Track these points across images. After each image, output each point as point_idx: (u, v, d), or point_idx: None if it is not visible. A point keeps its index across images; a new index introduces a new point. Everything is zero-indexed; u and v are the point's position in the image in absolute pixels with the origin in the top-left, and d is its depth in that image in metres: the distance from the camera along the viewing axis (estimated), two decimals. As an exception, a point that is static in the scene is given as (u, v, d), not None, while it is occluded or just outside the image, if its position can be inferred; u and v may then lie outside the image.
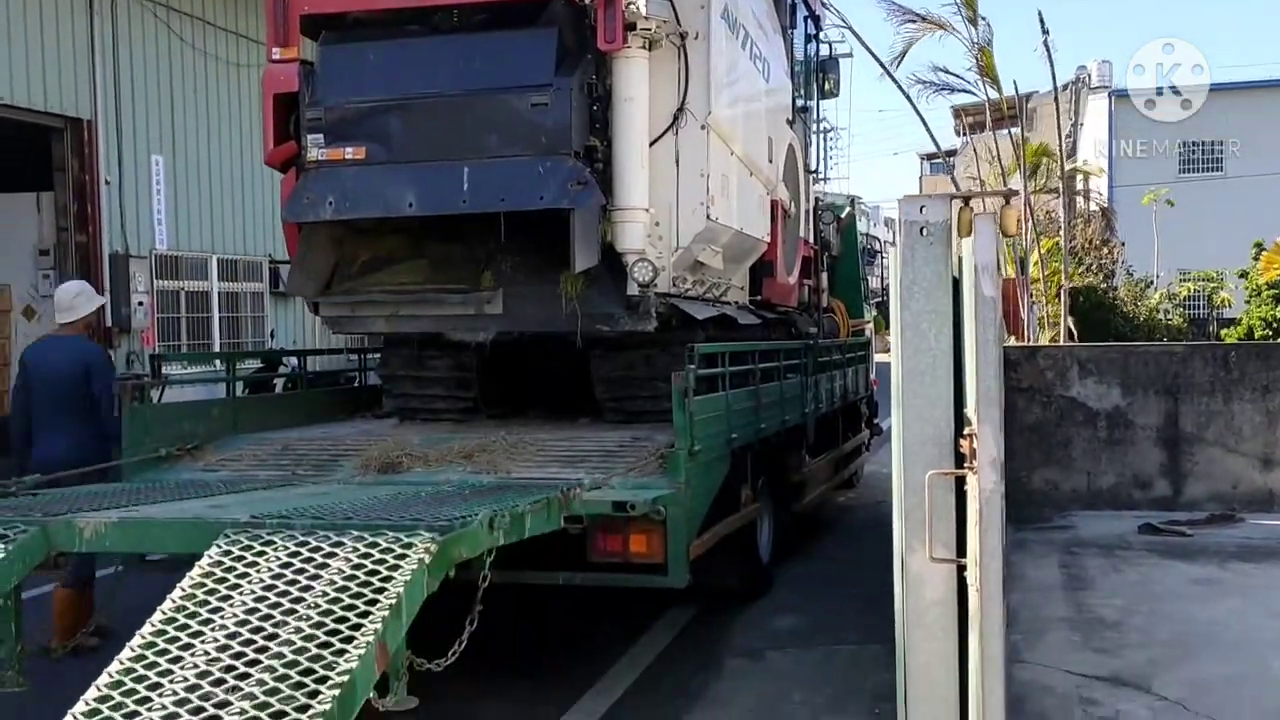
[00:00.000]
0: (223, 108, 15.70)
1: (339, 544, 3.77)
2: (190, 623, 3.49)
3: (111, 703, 3.18)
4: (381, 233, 7.21)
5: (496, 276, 7.10)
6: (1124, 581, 7.87)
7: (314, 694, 3.10)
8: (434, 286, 7.14)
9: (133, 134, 14.24)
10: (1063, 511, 10.25)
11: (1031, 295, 14.54)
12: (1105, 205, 29.38)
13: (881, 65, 10.22)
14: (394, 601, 3.46)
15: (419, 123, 6.76)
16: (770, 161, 8.63)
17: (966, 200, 3.84)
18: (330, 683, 3.13)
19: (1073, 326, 14.84)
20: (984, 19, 12.56)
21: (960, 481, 3.71)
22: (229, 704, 3.11)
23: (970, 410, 3.64)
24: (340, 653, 3.26)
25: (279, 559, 3.74)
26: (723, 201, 7.35)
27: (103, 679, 3.28)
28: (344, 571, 3.62)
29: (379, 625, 3.36)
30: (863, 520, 11.05)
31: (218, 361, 13.22)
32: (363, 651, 3.25)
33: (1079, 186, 28.26)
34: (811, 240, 10.66)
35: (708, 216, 7.07)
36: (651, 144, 6.88)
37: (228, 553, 3.80)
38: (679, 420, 5.99)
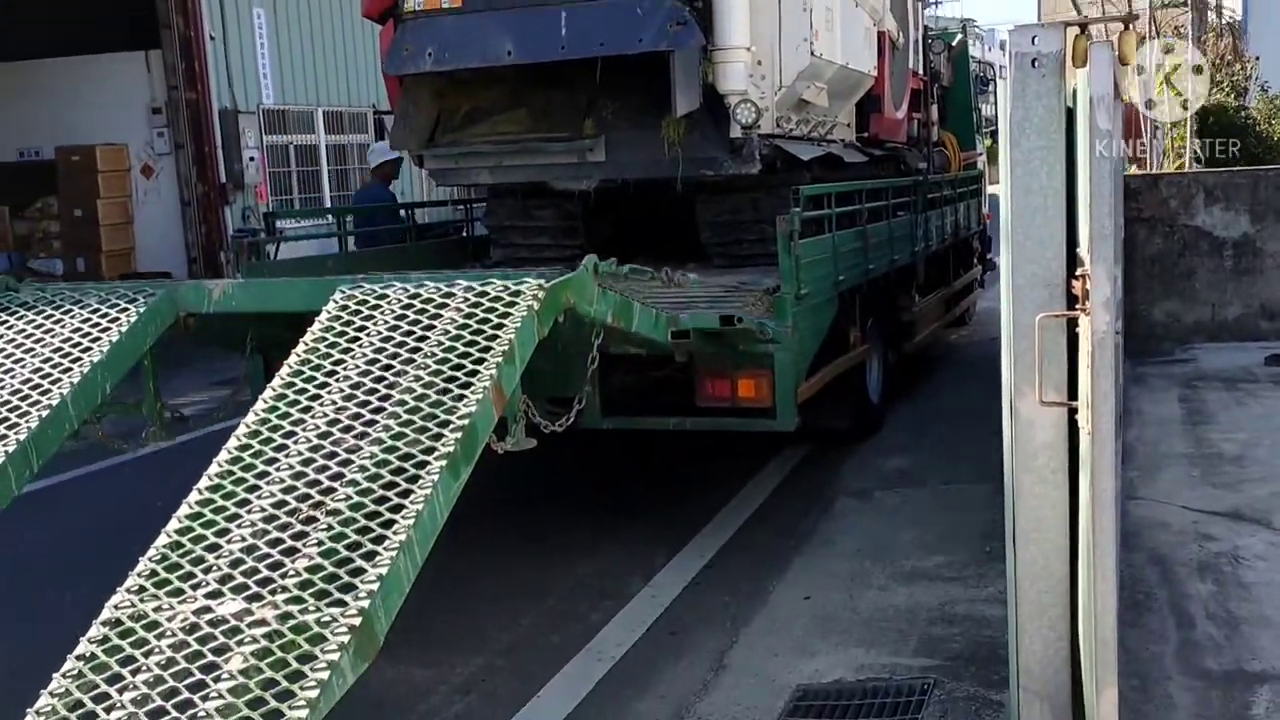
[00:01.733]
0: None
1: (449, 294, 3.88)
2: (316, 374, 3.66)
3: (251, 450, 3.40)
4: (482, 83, 7.16)
5: (598, 123, 7.03)
6: (1247, 415, 7.69)
7: (437, 437, 3.27)
8: (536, 135, 7.11)
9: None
10: (1185, 345, 9.98)
11: (1155, 121, 13.87)
12: (1236, 19, 27.64)
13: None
14: (506, 348, 3.58)
15: None
16: (876, -10, 8.30)
17: (1083, 28, 3.65)
18: (451, 426, 3.29)
19: (1199, 150, 14.18)
20: None
21: (1072, 323, 3.62)
22: (359, 449, 3.30)
23: (1083, 250, 3.53)
24: (459, 398, 3.41)
25: (394, 311, 3.86)
26: (827, 36, 7.11)
27: (241, 429, 3.49)
28: (456, 321, 3.74)
29: (494, 371, 3.49)
30: (974, 358, 10.92)
31: (330, 215, 13.47)
32: (480, 396, 3.40)
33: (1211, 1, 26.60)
34: (921, 72, 10.28)
35: (811, 52, 6.86)
36: (752, -22, 6.65)
37: (345, 307, 3.94)
38: (784, 264, 5.95)
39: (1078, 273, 3.53)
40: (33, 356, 4.18)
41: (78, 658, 2.84)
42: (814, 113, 7.61)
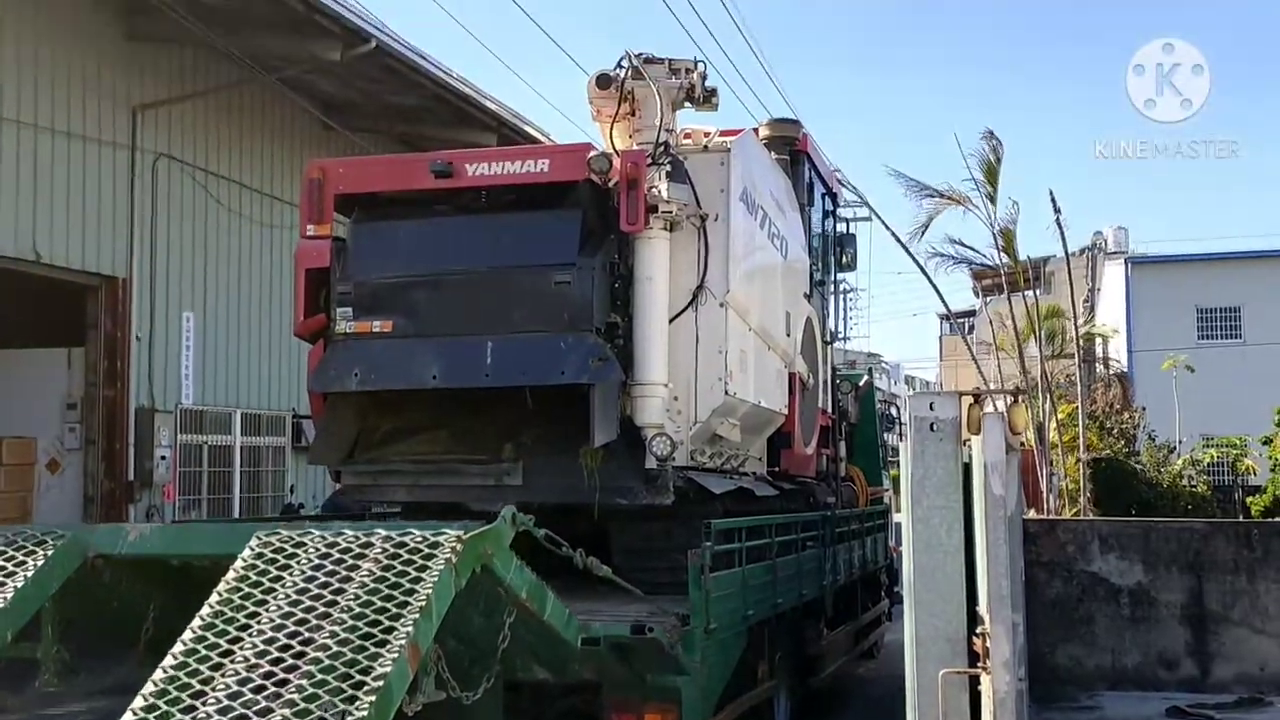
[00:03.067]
0: (253, 266, 16.10)
1: (368, 544, 3.87)
2: (229, 628, 3.60)
3: (158, 712, 3.30)
4: (405, 403, 7.34)
5: (517, 448, 7.19)
6: (1150, 769, 7.65)
7: (352, 699, 3.24)
8: (455, 457, 7.23)
9: (165, 291, 14.60)
10: (1089, 690, 10.02)
11: (1051, 463, 14.51)
12: (1123, 371, 29.48)
13: (899, 241, 10.49)
14: (423, 603, 3.58)
15: (445, 298, 6.96)
16: (788, 335, 8.79)
17: (976, 397, 3.93)
18: (367, 688, 3.27)
19: (1093, 495, 14.76)
20: (1011, 199, 12.88)
21: (974, 679, 3.70)
22: (271, 711, 3.23)
23: (983, 608, 3.65)
24: (374, 656, 3.40)
25: (311, 560, 3.84)
26: (741, 376, 7.47)
27: (148, 688, 3.39)
28: (374, 573, 3.72)
29: (410, 629, 3.48)
30: (882, 693, 10.83)
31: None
32: (396, 655, 3.38)
33: (1098, 352, 28.41)
34: (829, 409, 10.75)
35: (726, 391, 7.18)
36: (671, 321, 7.04)
37: (260, 555, 3.89)
38: (695, 598, 5.98)
39: (978, 630, 3.64)
40: None
41: None
42: (727, 447, 7.86)
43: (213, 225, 15.38)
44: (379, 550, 3.86)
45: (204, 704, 3.32)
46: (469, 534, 3.94)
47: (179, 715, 3.28)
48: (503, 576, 4.20)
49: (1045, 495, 13.93)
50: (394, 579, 3.71)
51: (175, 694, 3.37)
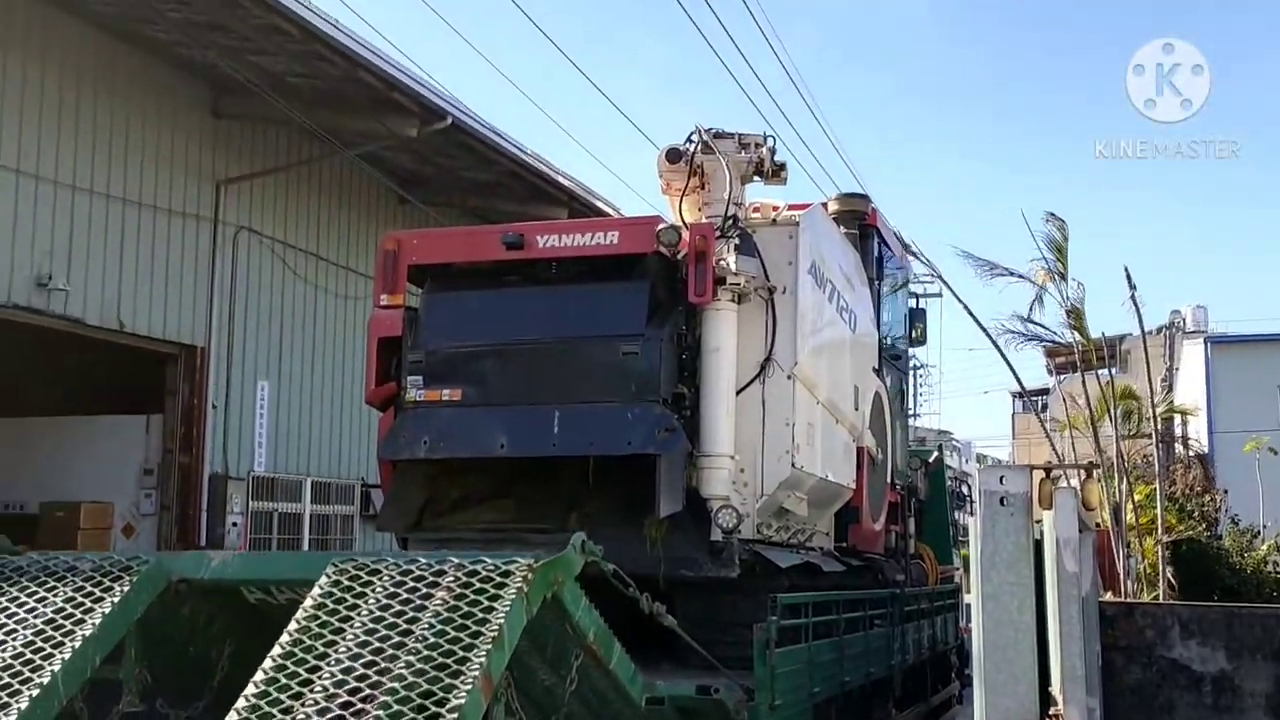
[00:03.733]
0: (327, 336, 16.40)
1: (441, 572, 3.94)
2: (308, 657, 3.70)
3: (259, 713, 3.44)
4: (472, 471, 7.38)
5: (582, 518, 7.17)
6: None
7: None
8: (520, 526, 7.23)
9: (242, 360, 14.91)
10: (1168, 781, 9.66)
11: (1128, 545, 14.12)
12: (1203, 452, 28.75)
13: (971, 315, 10.39)
14: (495, 633, 3.66)
15: (513, 367, 7.02)
16: (856, 409, 8.72)
17: (1047, 472, 3.86)
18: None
19: (1172, 579, 14.33)
20: (1075, 280, 12.76)
21: (1047, 762, 3.59)
22: None
23: (1055, 689, 3.56)
24: (449, 688, 3.48)
25: (386, 589, 3.92)
26: (808, 449, 7.42)
27: (232, 716, 3.50)
28: (447, 601, 3.81)
29: (484, 659, 3.56)
30: (953, 779, 10.54)
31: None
32: (470, 687, 3.46)
33: (1177, 432, 27.78)
34: (898, 486, 10.61)
35: (793, 464, 7.13)
36: (738, 392, 7.04)
37: (337, 583, 3.98)
38: (760, 673, 5.90)
39: (1051, 711, 3.54)
40: (25, 628, 4.19)
41: None
42: (793, 521, 7.79)
43: (289, 296, 15.72)
44: (451, 579, 3.93)
45: None
46: (540, 562, 4.02)
47: None
48: (571, 611, 4.26)
49: (1123, 578, 13.55)
50: (466, 608, 3.78)
51: (264, 713, 3.48)
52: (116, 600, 4.24)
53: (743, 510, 6.88)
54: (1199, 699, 9.88)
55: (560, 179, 16.59)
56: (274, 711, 3.49)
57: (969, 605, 12.66)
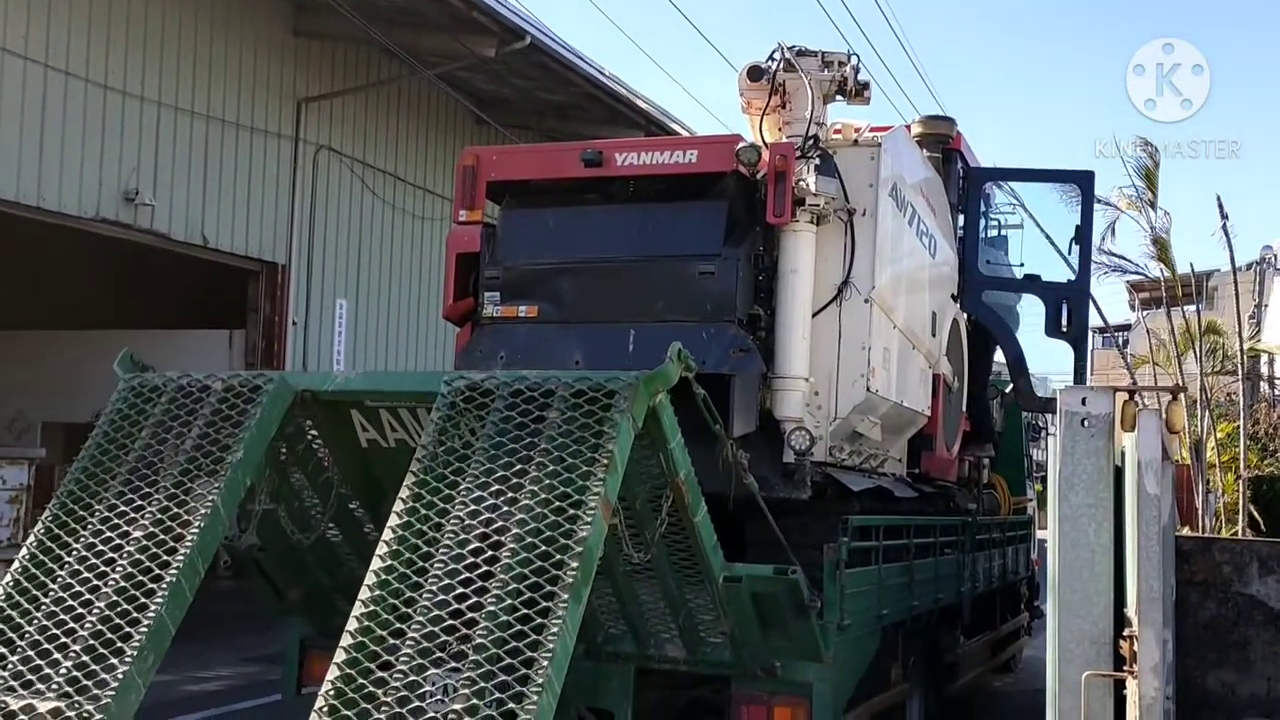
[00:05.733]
0: (404, 255, 16.56)
1: (549, 393, 4.18)
2: (440, 486, 4.02)
3: (396, 574, 3.81)
4: (546, 388, 7.43)
5: (654, 437, 7.21)
6: (1304, 802, 7.28)
7: (560, 565, 3.67)
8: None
9: (321, 279, 15.13)
10: (1239, 718, 9.58)
11: (1208, 482, 13.90)
12: (1290, 390, 28.02)
13: (1054, 247, 10.14)
14: (608, 460, 3.91)
15: (590, 285, 7.02)
16: (934, 335, 8.62)
17: (1131, 393, 3.79)
18: (571, 553, 3.69)
19: (1257, 514, 14.09)
20: (1163, 209, 12.43)
21: (1120, 684, 3.58)
22: (492, 575, 3.69)
23: (1131, 610, 3.53)
24: (574, 519, 3.79)
25: (500, 413, 4.17)
26: (883, 374, 7.35)
27: (381, 548, 3.89)
28: (558, 425, 4.07)
29: (601, 489, 3.84)
30: (1018, 707, 10.55)
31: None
32: (592, 518, 3.77)
33: (1263, 371, 27.12)
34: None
35: (867, 388, 7.07)
36: (814, 315, 6.97)
37: (454, 405, 4.24)
38: (829, 592, 5.92)
39: (1125, 633, 3.52)
40: (177, 454, 4.46)
41: None
42: (867, 445, 7.75)
43: (368, 215, 15.89)
44: (560, 399, 4.14)
45: (432, 566, 3.77)
46: (641, 377, 4.20)
47: (414, 578, 3.76)
48: (669, 435, 4.47)
49: (1201, 514, 13.36)
50: (579, 432, 4.02)
51: (409, 555, 3.84)
52: (254, 423, 4.47)
53: (816, 433, 6.85)
54: (1276, 636, 9.74)
55: (638, 101, 16.47)
56: (418, 543, 3.84)
57: (1041, 540, 12.59)
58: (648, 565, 5.06)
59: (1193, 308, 15.98)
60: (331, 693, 3.54)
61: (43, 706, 3.82)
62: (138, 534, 4.20)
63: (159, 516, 4.23)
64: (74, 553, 4.25)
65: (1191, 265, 13.71)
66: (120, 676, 3.81)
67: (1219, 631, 9.90)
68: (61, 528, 4.36)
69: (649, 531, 4.72)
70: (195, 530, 4.12)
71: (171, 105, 12.87)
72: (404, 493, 4.00)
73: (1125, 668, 3.44)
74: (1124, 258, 13.38)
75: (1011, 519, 11.74)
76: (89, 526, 4.31)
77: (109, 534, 4.27)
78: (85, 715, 3.76)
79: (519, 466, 3.95)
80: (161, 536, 4.16)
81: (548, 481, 3.87)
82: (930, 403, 8.61)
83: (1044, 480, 17.57)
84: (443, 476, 4.03)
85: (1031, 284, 10.21)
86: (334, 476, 5.24)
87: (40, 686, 3.90)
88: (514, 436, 4.06)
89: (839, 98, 7.54)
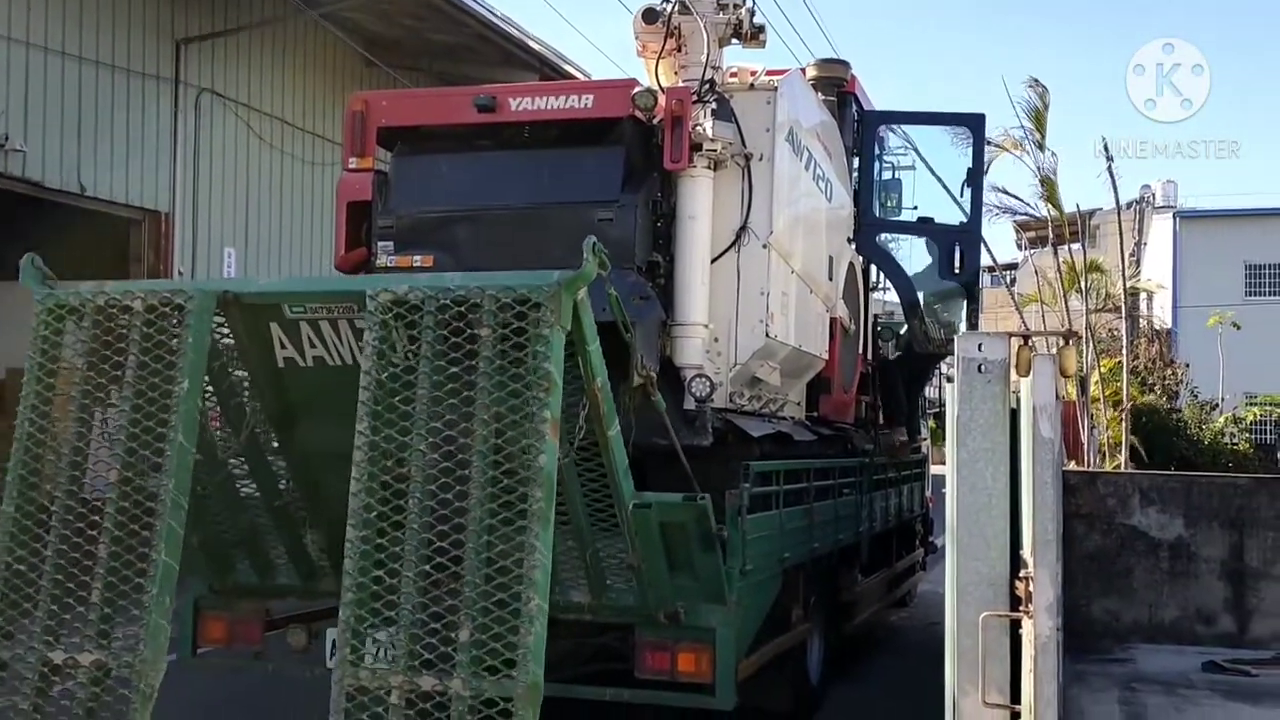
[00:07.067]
0: (294, 202, 16.14)
1: (476, 307, 4.25)
2: (393, 418, 4.18)
3: (376, 513, 4.09)
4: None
5: (553, 386, 7.15)
6: (1185, 721, 7.61)
7: (523, 497, 3.93)
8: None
9: (208, 226, 14.67)
10: (1123, 643, 9.96)
11: (1092, 416, 14.35)
12: (1165, 327, 29.08)
13: (946, 189, 10.28)
14: (547, 379, 4.06)
15: (486, 233, 6.91)
16: (830, 279, 8.69)
17: (1025, 339, 3.85)
18: (533, 482, 3.93)
19: (1138, 445, 14.62)
20: (1050, 150, 12.67)
21: (1015, 624, 3.66)
22: (464, 510, 3.99)
23: (1026, 551, 3.61)
24: (527, 449, 3.99)
25: (433, 331, 4.24)
26: (782, 319, 7.39)
27: (354, 484, 4.11)
28: (492, 344, 4.19)
29: (548, 412, 4.02)
30: (915, 641, 10.84)
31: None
32: (545, 442, 3.97)
33: (1142, 308, 28.04)
34: (869, 357, 10.65)
35: (766, 334, 7.11)
36: (713, 261, 6.97)
37: (384, 323, 4.28)
38: (732, 538, 5.97)
39: (1021, 574, 3.59)
40: (123, 389, 4.45)
41: None
42: (766, 390, 7.81)
43: (255, 161, 15.42)
44: (488, 313, 4.21)
45: (407, 503, 4.02)
46: (564, 280, 4.28)
47: (393, 516, 4.03)
48: (588, 336, 4.58)
49: (1085, 449, 13.81)
50: (513, 352, 4.17)
51: (381, 491, 4.10)
52: (189, 347, 4.44)
53: (716, 379, 6.87)
54: (1156, 564, 10.13)
55: (531, 43, 16.19)
56: (389, 479, 4.09)
57: (935, 477, 12.87)
58: (560, 498, 5.04)
59: (1078, 246, 16.39)
60: (349, 634, 3.96)
61: (84, 659, 4.18)
62: (114, 478, 4.34)
63: (128, 460, 4.33)
64: (57, 501, 4.40)
65: (1078, 205, 14.05)
66: (148, 624, 4.12)
67: (1103, 562, 10.27)
68: (34, 474, 4.49)
69: (567, 439, 4.75)
70: (170, 472, 4.25)
71: (41, 46, 12.28)
72: (361, 424, 4.14)
73: (1021, 608, 3.51)
74: (1016, 196, 13.66)
75: (906, 458, 11.99)
76: (62, 474, 4.44)
77: (84, 480, 4.44)
78: (127, 665, 4.11)
79: (465, 394, 4.11)
80: (139, 481, 4.32)
81: (495, 409, 4.06)
82: (828, 346, 8.70)
83: (937, 418, 17.97)
84: (393, 407, 4.19)
85: (924, 226, 10.34)
86: (247, 401, 5.19)
87: (75, 639, 4.23)
88: (451, 359, 4.17)
89: (734, 41, 7.51)
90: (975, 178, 9.97)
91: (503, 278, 4.42)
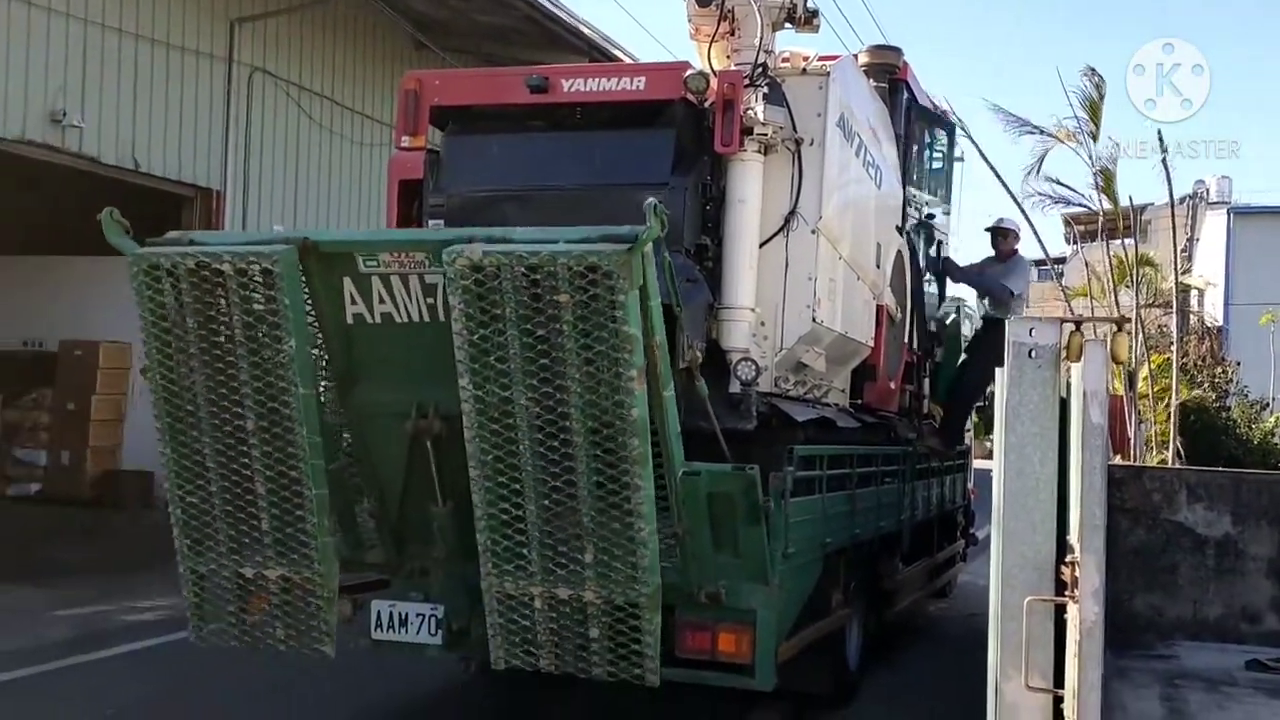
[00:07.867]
0: (343, 181, 16.26)
1: (553, 274, 4.61)
2: (493, 373, 4.73)
3: (490, 467, 4.81)
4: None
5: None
6: (1228, 719, 7.55)
7: (625, 445, 4.69)
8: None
9: (258, 205, 14.82)
10: (1166, 639, 9.87)
11: (1139, 412, 14.19)
12: (1216, 324, 28.67)
13: (999, 177, 10.21)
14: (630, 341, 4.59)
15: (536, 214, 6.93)
16: (878, 266, 8.66)
17: (1078, 324, 3.83)
18: (628, 432, 4.62)
19: (1181, 447, 14.46)
20: (1109, 138, 12.51)
21: (1060, 609, 3.65)
22: (575, 461, 4.75)
23: (1073, 537, 3.60)
24: (620, 404, 4.62)
25: (515, 298, 4.63)
26: (828, 304, 7.38)
27: (468, 432, 4.88)
28: (573, 309, 4.60)
29: (634, 371, 4.58)
30: (954, 632, 10.82)
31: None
32: (635, 396, 4.59)
33: (1193, 305, 27.66)
34: (915, 346, 10.60)
35: (813, 319, 7.10)
36: (761, 245, 6.96)
37: (466, 289, 4.65)
38: (776, 520, 5.98)
39: (1067, 559, 3.58)
40: (237, 347, 4.96)
41: None
42: (811, 376, 7.80)
43: (305, 141, 15.55)
44: (565, 281, 4.56)
45: (521, 451, 4.71)
46: (635, 245, 4.59)
47: (513, 466, 4.74)
48: (651, 291, 4.81)
49: (1132, 444, 13.65)
50: (595, 318, 4.58)
51: (496, 453, 4.75)
52: (287, 305, 4.85)
53: (761, 364, 6.88)
54: (1201, 561, 10.02)
55: (580, 26, 16.20)
56: (496, 427, 4.68)
57: (978, 468, 12.80)
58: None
59: (1130, 241, 16.18)
60: (489, 554, 4.69)
61: (270, 574, 5.09)
62: (250, 427, 4.98)
63: (259, 410, 4.94)
64: (207, 445, 5.05)
65: (1130, 198, 13.86)
66: (319, 545, 5.00)
67: (1147, 557, 10.18)
68: (180, 422, 5.11)
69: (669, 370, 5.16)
70: (301, 420, 4.90)
71: (99, 23, 12.44)
72: (463, 380, 4.63)
73: (1066, 593, 3.51)
74: (1070, 187, 13.47)
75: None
76: (204, 422, 5.05)
77: (226, 427, 5.05)
78: (308, 578, 5.04)
79: (554, 354, 4.61)
80: (276, 429, 4.96)
81: (585, 368, 4.58)
82: (874, 334, 8.67)
83: (979, 411, 17.87)
84: (489, 365, 4.66)
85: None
86: (318, 354, 5.41)
87: (257, 558, 5.07)
88: (536, 323, 4.62)
89: (788, 25, 7.47)
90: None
91: (570, 239, 4.68)
